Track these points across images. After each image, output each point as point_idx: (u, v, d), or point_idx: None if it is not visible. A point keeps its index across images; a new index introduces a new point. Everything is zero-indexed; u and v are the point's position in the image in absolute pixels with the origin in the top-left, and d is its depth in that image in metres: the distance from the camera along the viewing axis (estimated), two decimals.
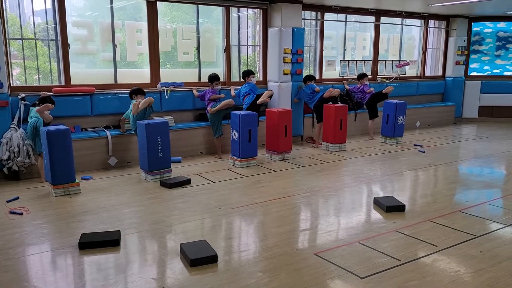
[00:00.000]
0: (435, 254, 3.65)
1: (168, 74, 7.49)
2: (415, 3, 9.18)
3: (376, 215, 4.70)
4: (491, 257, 3.61)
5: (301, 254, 3.66)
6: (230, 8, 7.94)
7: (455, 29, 11.04)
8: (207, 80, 7.41)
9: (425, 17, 10.69)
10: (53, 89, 6.33)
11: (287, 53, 8.08)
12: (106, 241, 3.82)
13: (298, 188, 5.60)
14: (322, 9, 9.00)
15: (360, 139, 8.87)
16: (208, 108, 7.07)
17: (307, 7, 8.69)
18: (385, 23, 10.19)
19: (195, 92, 7.42)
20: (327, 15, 9.17)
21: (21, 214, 4.57)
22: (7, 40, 6.02)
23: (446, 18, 11.07)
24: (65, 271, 3.42)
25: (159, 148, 5.79)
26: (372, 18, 9.92)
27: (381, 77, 10.23)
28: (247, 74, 7.64)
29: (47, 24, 6.51)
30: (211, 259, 3.49)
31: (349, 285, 3.15)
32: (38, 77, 6.52)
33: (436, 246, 3.81)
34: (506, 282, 3.21)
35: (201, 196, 5.22)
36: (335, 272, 3.33)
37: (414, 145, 8.33)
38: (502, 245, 3.87)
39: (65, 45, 6.48)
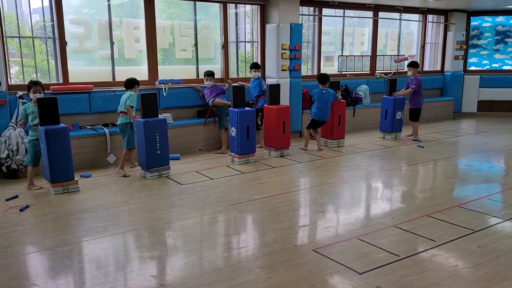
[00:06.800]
0: (434, 249, 3.66)
1: (166, 71, 7.48)
2: None
3: (374, 210, 4.71)
4: (490, 251, 3.62)
5: (299, 250, 3.67)
6: (227, 4, 7.92)
7: (453, 24, 11.01)
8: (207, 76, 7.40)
9: (424, 11, 10.66)
10: (51, 87, 6.32)
11: (285, 49, 8.06)
12: None
13: (296, 184, 5.60)
14: (320, 4, 8.98)
15: (358, 135, 8.87)
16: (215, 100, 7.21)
17: (305, 2, 8.66)
18: (384, 18, 10.17)
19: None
20: (325, 11, 9.15)
21: (27, 206, 4.71)
22: (4, 38, 6.01)
23: (445, 13, 11.05)
24: (64, 269, 3.43)
25: (158, 145, 5.79)
26: (370, 13, 9.91)
27: (379, 73, 10.22)
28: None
29: (44, 22, 6.49)
30: None
31: (348, 281, 3.16)
32: (36, 75, 6.51)
33: (435, 241, 3.82)
34: (504, 276, 3.22)
35: (200, 193, 5.22)
36: (333, 268, 3.34)
37: (413, 140, 8.33)
38: (501, 239, 3.88)
39: (63, 43, 6.46)
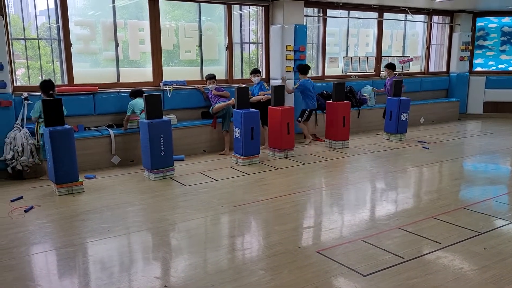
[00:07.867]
0: (439, 251, 3.64)
1: (170, 73, 7.50)
2: None
3: (379, 212, 4.69)
4: (495, 254, 3.59)
5: (303, 252, 3.65)
6: (232, 5, 7.92)
7: (459, 25, 10.96)
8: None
9: (429, 12, 10.62)
10: (56, 88, 6.34)
11: (290, 50, 8.06)
12: None
13: (301, 185, 5.59)
14: (325, 5, 8.97)
15: (363, 136, 8.83)
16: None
17: (309, 3, 8.65)
18: (388, 19, 10.13)
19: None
20: (330, 12, 9.13)
21: (32, 207, 4.72)
22: (10, 40, 6.04)
23: (450, 14, 11.00)
24: (68, 270, 3.43)
25: (162, 146, 5.79)
26: (375, 14, 9.88)
27: (384, 74, 10.18)
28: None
29: (49, 24, 6.52)
30: None
31: (352, 283, 3.15)
32: (41, 77, 6.53)
33: (440, 243, 3.79)
34: (510, 279, 3.19)
35: (204, 194, 5.22)
36: (337, 270, 3.32)
37: (418, 141, 8.29)
38: (507, 241, 3.85)
39: (68, 45, 6.49)
